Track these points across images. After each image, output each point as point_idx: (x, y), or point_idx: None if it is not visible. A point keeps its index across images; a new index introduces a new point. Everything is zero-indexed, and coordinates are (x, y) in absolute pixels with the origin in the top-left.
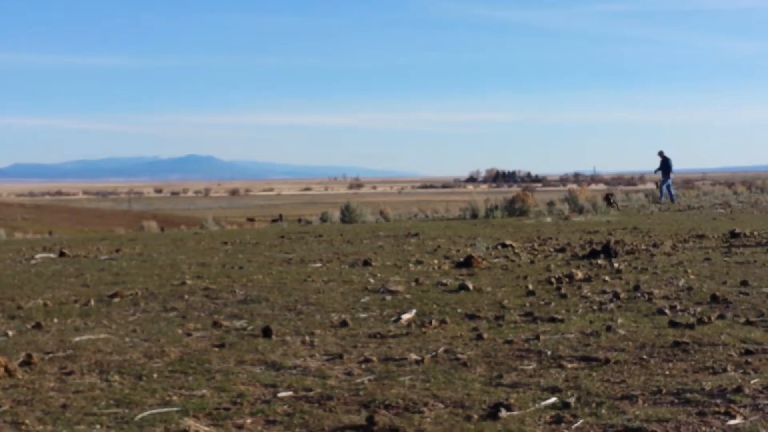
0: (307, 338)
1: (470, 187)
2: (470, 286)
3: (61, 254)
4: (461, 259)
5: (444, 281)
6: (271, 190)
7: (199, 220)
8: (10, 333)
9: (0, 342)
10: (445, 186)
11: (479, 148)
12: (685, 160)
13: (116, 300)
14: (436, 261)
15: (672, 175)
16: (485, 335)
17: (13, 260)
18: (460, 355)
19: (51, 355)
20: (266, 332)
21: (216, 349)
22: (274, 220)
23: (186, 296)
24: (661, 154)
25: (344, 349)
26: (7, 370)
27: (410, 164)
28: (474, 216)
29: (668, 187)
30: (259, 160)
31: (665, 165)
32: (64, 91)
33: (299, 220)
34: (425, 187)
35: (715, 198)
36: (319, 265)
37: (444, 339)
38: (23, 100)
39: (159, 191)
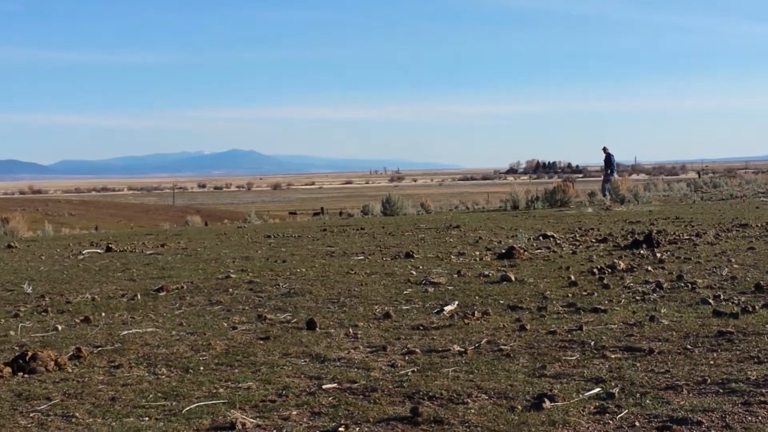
0: (351, 330)
1: (511, 178)
2: (512, 277)
3: (108, 249)
4: (503, 251)
5: (486, 272)
6: (313, 183)
7: (242, 214)
8: (60, 327)
9: (50, 336)
10: (485, 178)
11: (519, 139)
12: (727, 148)
13: (162, 294)
14: (477, 252)
15: (614, 173)
16: (528, 326)
17: (61, 255)
18: (503, 346)
19: (99, 348)
20: (310, 325)
21: (261, 342)
22: (316, 214)
23: (230, 290)
24: (605, 150)
25: (387, 341)
26: (57, 363)
27: (450, 156)
28: (515, 207)
29: (607, 185)
30: (301, 154)
31: (609, 161)
32: (110, 88)
33: (341, 213)
34: (465, 179)
35: (757, 187)
36: (361, 257)
37: (487, 330)
38: (70, 99)
39: (202, 186)
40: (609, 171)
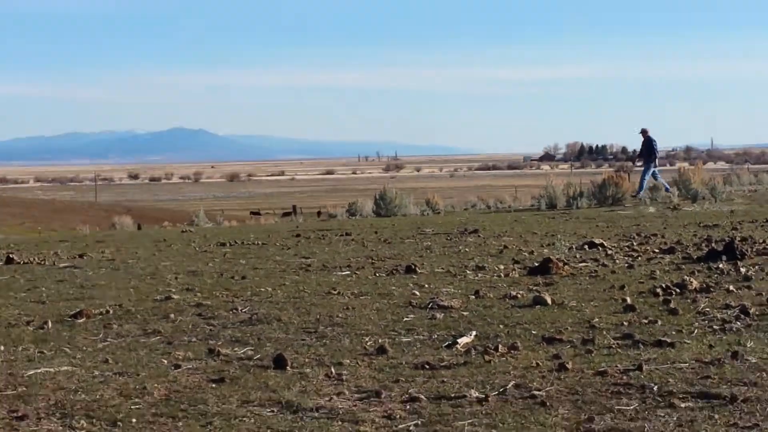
0: (333, 370)
1: (546, 167)
2: (548, 300)
3: (8, 261)
4: (536, 264)
5: (513, 293)
6: (282, 173)
7: (188, 214)
8: None
9: None
10: (512, 166)
11: (557, 114)
12: None
13: (81, 321)
14: (502, 266)
15: (656, 162)
16: (569, 365)
17: None
18: (536, 392)
19: None
20: (279, 362)
21: (213, 385)
22: (287, 214)
23: (172, 315)
24: (644, 133)
25: (382, 384)
26: None
27: (466, 138)
28: (551, 206)
29: (645, 178)
30: (266, 135)
31: (651, 147)
32: (4, 41)
33: (319, 214)
34: (486, 168)
35: None
36: (347, 272)
37: (514, 370)
38: None
39: (135, 177)
40: (650, 159)
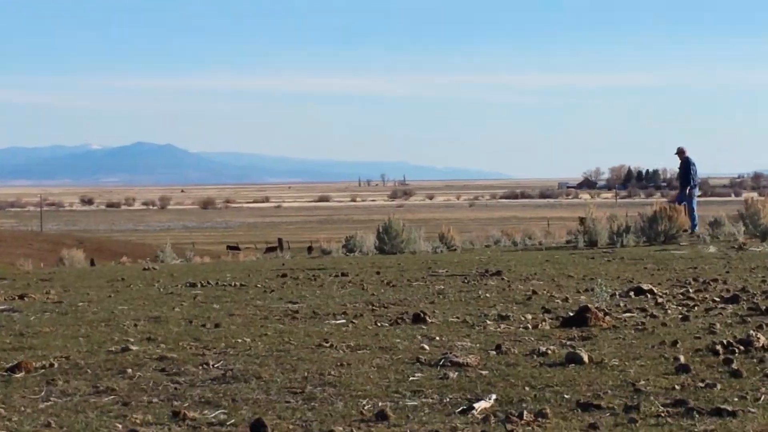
0: None
1: (585, 196)
2: (585, 357)
3: None
4: (570, 314)
5: (543, 349)
6: (266, 200)
7: (152, 248)
8: None
9: None
10: (544, 195)
11: (600, 132)
12: None
13: (19, 375)
14: (530, 316)
15: (695, 188)
16: None
17: None
18: None
19: None
20: (257, 429)
21: None
22: (271, 249)
23: (130, 370)
24: (681, 153)
25: None
26: None
27: (489, 160)
28: (591, 244)
29: (693, 207)
30: (247, 152)
31: (688, 169)
32: None
33: (310, 249)
34: (513, 196)
35: None
36: (342, 321)
37: None
38: None
39: (88, 202)
40: (691, 185)
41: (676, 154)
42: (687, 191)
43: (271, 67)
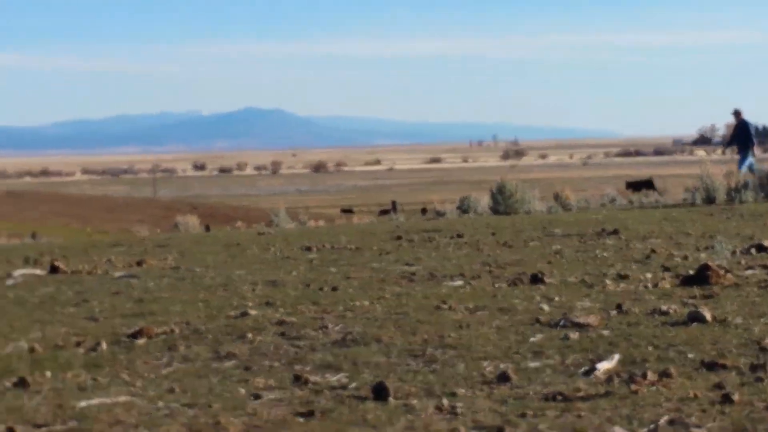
0: (445, 402)
1: (701, 152)
2: (707, 316)
3: (53, 269)
4: (691, 272)
5: (664, 308)
6: (377, 162)
7: (265, 212)
8: None
9: None
10: (659, 152)
11: (715, 88)
12: None
13: (141, 342)
14: (649, 275)
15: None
16: (735, 396)
17: None
18: (694, 429)
19: (44, 429)
20: (379, 392)
21: (300, 420)
22: (384, 212)
23: (250, 335)
24: (737, 114)
25: (505, 419)
26: None
27: (602, 118)
28: (709, 200)
29: (749, 167)
30: (357, 115)
31: (745, 132)
32: (46, 12)
33: (424, 211)
34: (627, 154)
35: None
36: (459, 283)
37: (667, 402)
38: None
39: (200, 167)
40: (749, 144)
41: (733, 114)
42: (750, 152)
43: (379, 31)
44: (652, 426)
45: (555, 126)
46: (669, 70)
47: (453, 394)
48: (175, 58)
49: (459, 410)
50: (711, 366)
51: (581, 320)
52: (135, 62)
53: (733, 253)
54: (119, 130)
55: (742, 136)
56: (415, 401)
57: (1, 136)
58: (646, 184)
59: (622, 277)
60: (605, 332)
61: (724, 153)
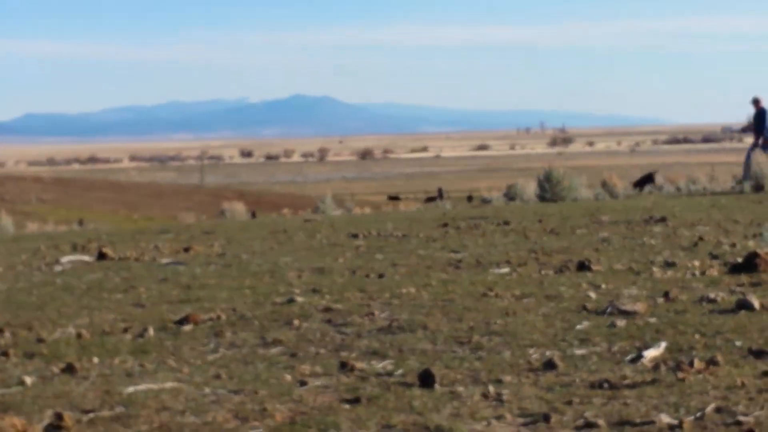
0: (491, 389)
1: (750, 139)
2: (755, 304)
3: (101, 256)
4: (739, 260)
5: (711, 295)
6: (424, 149)
7: (312, 199)
8: (29, 380)
9: (13, 394)
10: (708, 139)
11: (765, 75)
12: None
13: (187, 328)
14: (696, 262)
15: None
16: None
17: (27, 266)
18: (741, 417)
19: (91, 414)
20: (425, 379)
21: (346, 406)
22: (431, 199)
23: (296, 322)
24: (756, 103)
25: (551, 406)
26: None
27: (650, 105)
28: (758, 188)
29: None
30: (404, 102)
31: (762, 120)
32: (92, 2)
33: (470, 198)
34: (675, 141)
35: None
36: (506, 270)
37: (714, 390)
38: (34, 18)
39: (247, 154)
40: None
41: (752, 103)
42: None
43: (429, 18)
44: (698, 414)
45: (603, 113)
46: (721, 56)
47: (499, 381)
48: (228, 45)
49: (505, 397)
50: (758, 354)
51: (628, 308)
52: (188, 50)
53: None
54: (170, 116)
55: (759, 124)
56: (461, 388)
57: (54, 123)
58: (648, 179)
59: (669, 264)
60: (652, 320)
61: (742, 131)
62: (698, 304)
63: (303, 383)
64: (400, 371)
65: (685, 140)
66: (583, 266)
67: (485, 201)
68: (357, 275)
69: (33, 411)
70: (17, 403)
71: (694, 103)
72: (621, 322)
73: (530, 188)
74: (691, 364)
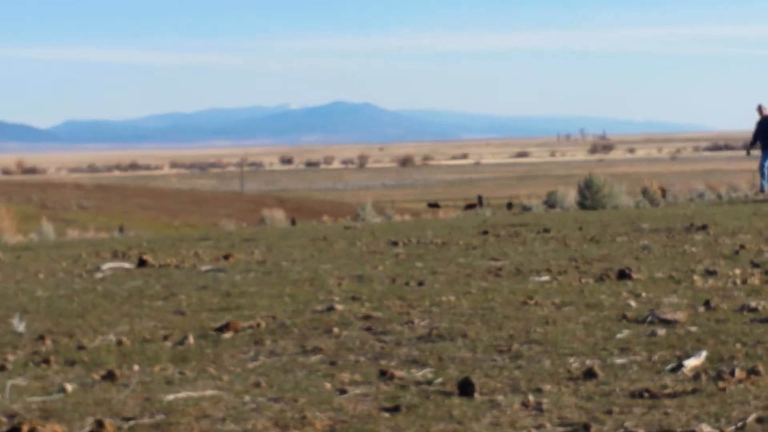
0: (531, 398)
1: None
2: None
3: (141, 263)
4: None
5: (753, 304)
6: (465, 156)
7: (352, 206)
8: (70, 387)
9: (54, 401)
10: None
11: None
12: None
13: (227, 336)
14: (738, 271)
15: None
16: None
17: (68, 273)
18: None
19: (132, 422)
20: (465, 388)
21: (386, 415)
22: (471, 206)
23: (336, 329)
24: (760, 110)
25: (591, 415)
26: None
27: (691, 112)
28: None
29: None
30: (445, 109)
31: (763, 128)
32: (139, 7)
33: (510, 206)
34: (716, 148)
35: None
36: (546, 278)
37: (756, 400)
38: (76, 23)
39: (288, 161)
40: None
41: (758, 109)
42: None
43: (469, 24)
44: (740, 424)
45: (644, 120)
46: (764, 62)
47: (539, 390)
48: (268, 53)
49: (545, 406)
50: None
51: (668, 316)
52: (229, 57)
53: None
54: (212, 123)
55: (761, 133)
56: (500, 397)
57: (95, 130)
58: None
59: (710, 272)
60: (693, 329)
61: (748, 154)
62: (739, 313)
63: (342, 391)
64: (439, 380)
65: (726, 147)
66: (623, 274)
67: (525, 208)
68: (397, 283)
69: (74, 418)
70: (58, 410)
71: (735, 109)
72: (661, 331)
73: (570, 196)
74: (732, 373)
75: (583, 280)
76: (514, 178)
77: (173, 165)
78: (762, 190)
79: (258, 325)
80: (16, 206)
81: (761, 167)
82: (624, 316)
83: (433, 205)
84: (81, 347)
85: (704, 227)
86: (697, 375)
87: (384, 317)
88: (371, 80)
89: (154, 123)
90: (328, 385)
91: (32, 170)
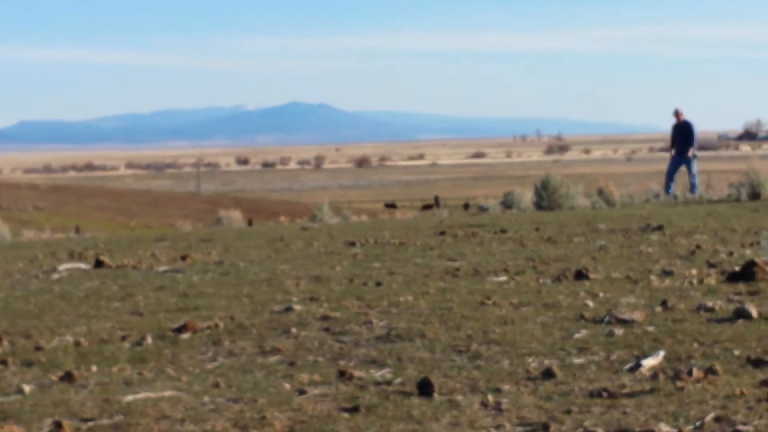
0: (490, 398)
1: (746, 147)
2: (753, 313)
3: (98, 264)
4: (736, 268)
5: (709, 304)
6: (421, 157)
7: (309, 207)
8: (27, 389)
9: (13, 402)
10: (704, 147)
11: (762, 82)
12: None
13: (186, 336)
14: (694, 271)
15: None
16: None
17: (24, 274)
18: (741, 427)
19: (91, 423)
20: (424, 388)
21: (345, 415)
22: (428, 207)
23: (294, 330)
24: (677, 115)
25: (550, 415)
26: None
27: (644, 113)
28: (754, 196)
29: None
30: (401, 110)
31: (689, 132)
32: (97, 7)
33: (467, 206)
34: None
35: None
36: (503, 278)
37: (713, 399)
38: (34, 23)
39: (244, 162)
40: (685, 149)
41: (674, 114)
42: (690, 154)
43: (426, 25)
44: (698, 423)
45: (599, 121)
46: (716, 63)
47: (498, 390)
48: (225, 53)
49: (504, 406)
50: (757, 363)
51: (626, 316)
52: (185, 57)
53: None
54: (168, 124)
55: (682, 138)
56: (459, 397)
57: (51, 131)
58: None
59: (666, 273)
60: (650, 328)
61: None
62: (696, 312)
63: (302, 392)
64: (398, 380)
65: None
66: (580, 275)
67: (482, 209)
68: (354, 283)
69: (32, 420)
70: (16, 411)
71: (689, 111)
72: (619, 331)
73: (527, 196)
74: (690, 373)
75: (541, 281)
76: (471, 179)
77: (129, 165)
78: (692, 191)
79: (216, 325)
80: None
81: (670, 172)
82: (582, 316)
83: (390, 206)
84: (38, 348)
85: (660, 228)
86: (655, 374)
87: (342, 317)
88: (328, 81)
89: (111, 123)
90: (287, 386)
91: None
